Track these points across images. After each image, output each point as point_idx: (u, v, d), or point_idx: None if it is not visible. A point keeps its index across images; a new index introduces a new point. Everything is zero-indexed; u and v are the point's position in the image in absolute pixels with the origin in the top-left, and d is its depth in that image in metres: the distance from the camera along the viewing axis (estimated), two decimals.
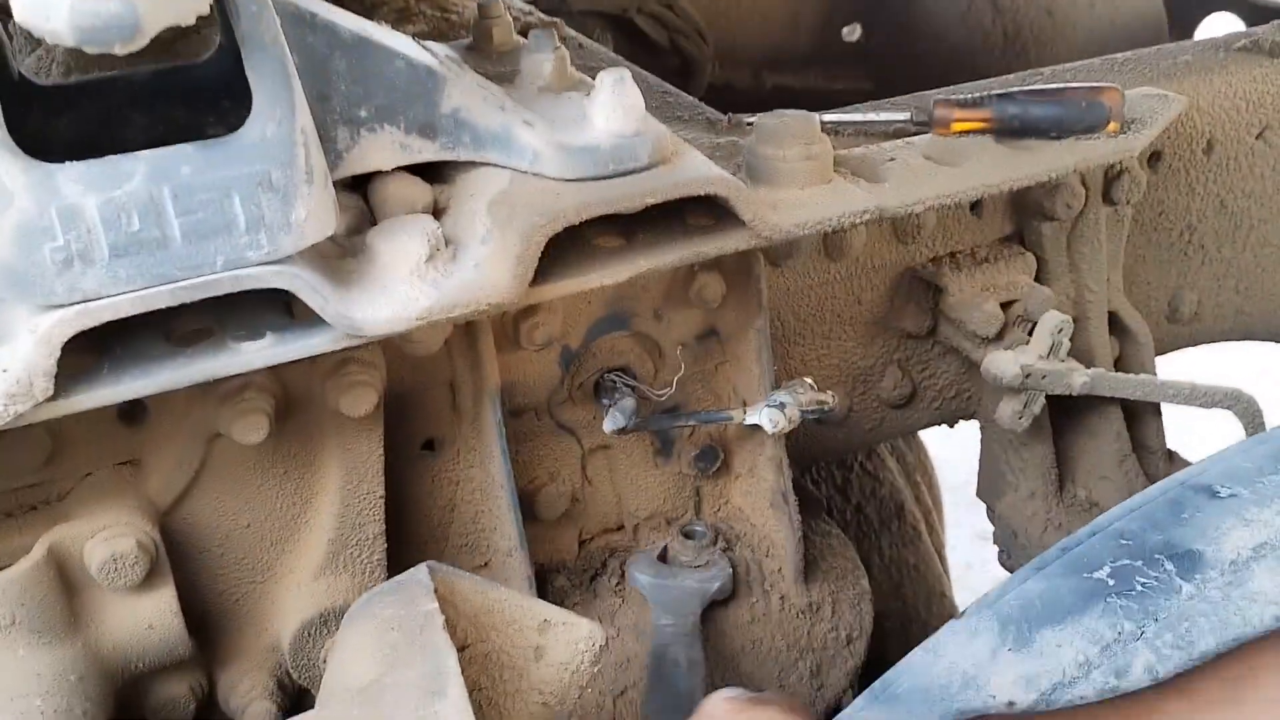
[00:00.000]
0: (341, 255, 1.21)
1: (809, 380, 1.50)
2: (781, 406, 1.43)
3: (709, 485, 1.65)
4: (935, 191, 1.38)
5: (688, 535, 1.61)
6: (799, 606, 1.58)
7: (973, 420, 1.92)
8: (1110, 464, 1.76)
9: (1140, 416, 1.81)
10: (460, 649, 1.03)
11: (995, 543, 1.86)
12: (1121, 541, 1.21)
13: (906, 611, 2.42)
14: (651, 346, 1.52)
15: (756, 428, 1.54)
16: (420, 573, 1.00)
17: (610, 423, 1.41)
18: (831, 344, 1.69)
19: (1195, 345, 2.00)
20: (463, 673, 1.05)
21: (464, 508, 1.48)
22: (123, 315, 1.03)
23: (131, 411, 1.25)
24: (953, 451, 2.97)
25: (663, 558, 1.55)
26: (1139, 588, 1.12)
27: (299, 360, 1.25)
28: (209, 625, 1.36)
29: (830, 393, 1.48)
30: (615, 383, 1.47)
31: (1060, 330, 1.58)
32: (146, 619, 1.24)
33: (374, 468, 1.35)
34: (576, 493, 1.58)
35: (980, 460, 1.92)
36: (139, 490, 1.27)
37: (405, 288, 1.14)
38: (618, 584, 1.58)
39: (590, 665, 1.10)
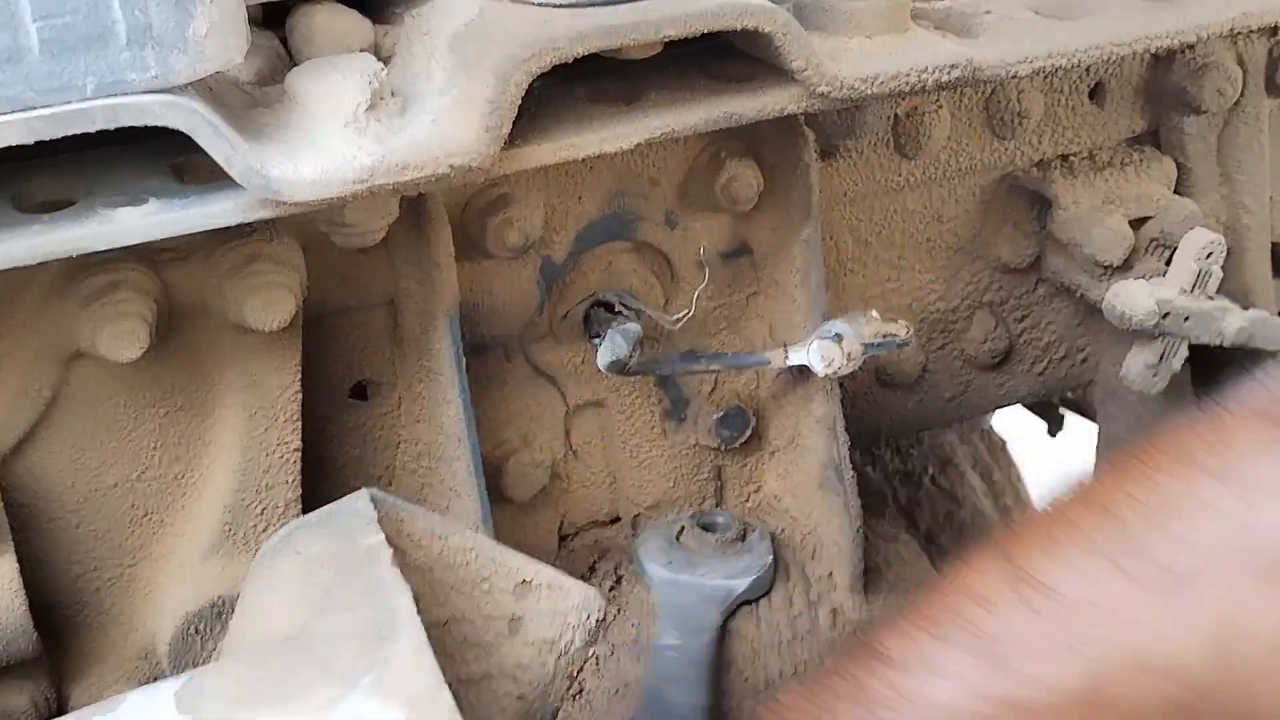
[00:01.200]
0: (251, 105, 1.22)
1: (873, 312, 1.51)
2: (837, 338, 1.44)
3: (735, 462, 1.66)
4: (1046, 48, 1.40)
5: (706, 528, 1.61)
6: (856, 623, 1.59)
7: (1082, 393, 1.94)
8: None
9: None
10: None
11: None
12: None
13: None
14: (661, 265, 1.54)
15: (801, 374, 1.56)
16: (359, 501, 1.00)
17: (606, 353, 1.41)
18: (902, 276, 1.71)
19: None
20: None
21: (406, 477, 1.48)
22: None
23: None
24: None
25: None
26: None
27: (190, 256, 1.26)
28: (60, 620, 1.35)
29: (903, 322, 1.49)
30: (614, 306, 1.47)
31: (1210, 254, 1.59)
32: None
33: (288, 410, 1.35)
34: (558, 465, 1.58)
35: (1098, 449, 1.93)
36: None
37: (339, 142, 1.15)
38: (612, 589, 1.58)
39: (583, 646, 1.10)
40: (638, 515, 1.65)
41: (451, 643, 1.06)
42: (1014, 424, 2.89)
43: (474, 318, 1.47)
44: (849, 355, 1.44)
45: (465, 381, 1.40)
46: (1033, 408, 2.81)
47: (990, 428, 2.80)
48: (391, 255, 1.39)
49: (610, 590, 1.58)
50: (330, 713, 0.82)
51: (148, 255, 1.27)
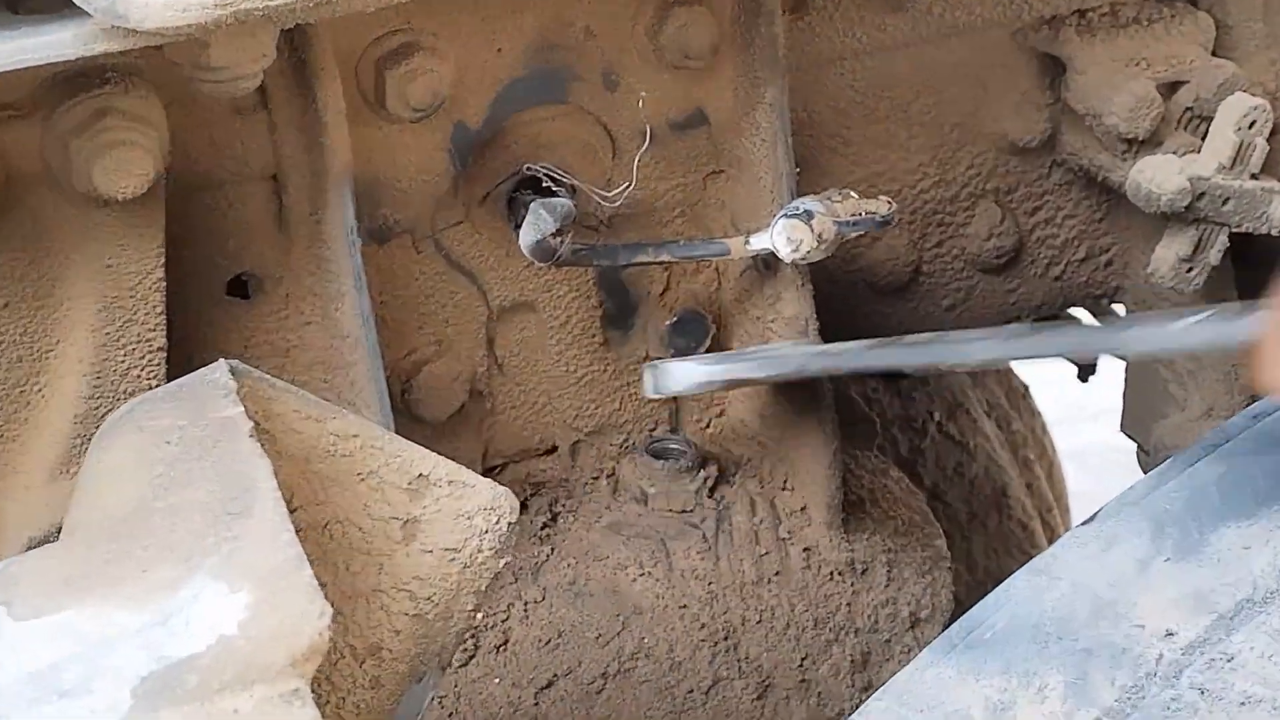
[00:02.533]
0: None
1: (850, 191, 1.52)
2: (806, 215, 1.44)
3: None
4: None
5: (658, 455, 1.62)
6: (835, 565, 1.59)
7: (1110, 302, 1.94)
8: None
9: None
10: None
11: None
12: None
13: None
14: (599, 136, 1.53)
15: (769, 269, 1.56)
16: (215, 372, 1.00)
17: (530, 231, 1.41)
18: (890, 158, 1.70)
19: None
20: None
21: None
22: None
23: None
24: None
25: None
26: None
27: (30, 115, 1.25)
28: None
29: (884, 198, 1.50)
30: (541, 182, 1.47)
31: (1253, 123, 1.59)
32: None
33: (149, 302, 1.35)
34: (479, 381, 1.58)
35: (1127, 370, 1.94)
36: None
37: None
38: (545, 527, 1.59)
39: (492, 555, 1.10)
40: (577, 443, 1.65)
41: (333, 549, 1.06)
42: (1036, 364, 2.91)
43: (374, 196, 1.46)
44: (820, 236, 1.44)
45: (361, 269, 1.40)
46: None
47: (1008, 367, 2.80)
48: (272, 116, 1.38)
49: (543, 529, 1.59)
50: (165, 596, 0.82)
51: None
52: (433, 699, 1.39)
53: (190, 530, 0.86)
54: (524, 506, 1.62)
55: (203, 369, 1.01)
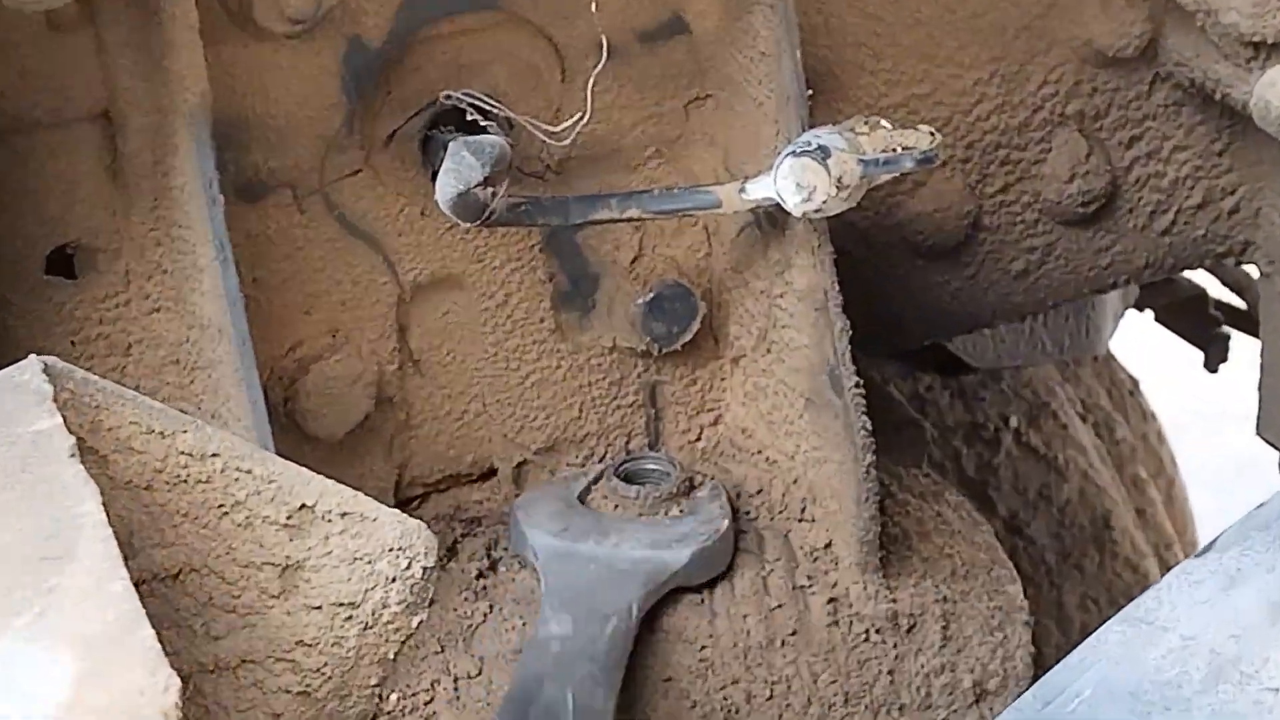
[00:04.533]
0: None
1: (880, 120, 1.51)
2: (820, 153, 1.43)
3: (677, 376, 1.66)
4: None
5: (629, 479, 1.61)
6: (872, 621, 1.58)
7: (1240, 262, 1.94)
8: None
9: None
10: None
11: None
12: None
13: None
14: (542, 52, 1.52)
15: (774, 226, 1.56)
16: (26, 372, 1.00)
17: (449, 182, 1.40)
18: (937, 73, 1.70)
19: None
20: None
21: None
22: None
23: None
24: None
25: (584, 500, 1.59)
26: None
27: None
28: None
29: (925, 128, 1.49)
30: (465, 114, 1.47)
31: None
32: None
33: None
34: (388, 383, 1.58)
35: (1264, 356, 1.94)
36: None
37: None
38: (480, 577, 1.58)
39: (403, 612, 1.09)
40: (523, 464, 1.64)
41: (188, 606, 1.05)
42: (1147, 353, 2.90)
43: (242, 139, 1.46)
44: (839, 180, 1.43)
45: (226, 237, 1.39)
46: (1180, 326, 2.80)
47: (1109, 355, 2.80)
48: (101, 33, 1.37)
49: (479, 579, 1.58)
50: None
51: None
52: None
53: None
54: (453, 550, 1.60)
55: (8, 369, 1.00)
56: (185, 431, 1.04)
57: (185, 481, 1.04)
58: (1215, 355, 2.77)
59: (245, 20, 1.40)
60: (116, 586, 0.85)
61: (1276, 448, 1.94)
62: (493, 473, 1.64)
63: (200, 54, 1.36)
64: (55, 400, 0.98)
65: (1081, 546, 2.53)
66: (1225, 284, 2.61)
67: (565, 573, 1.52)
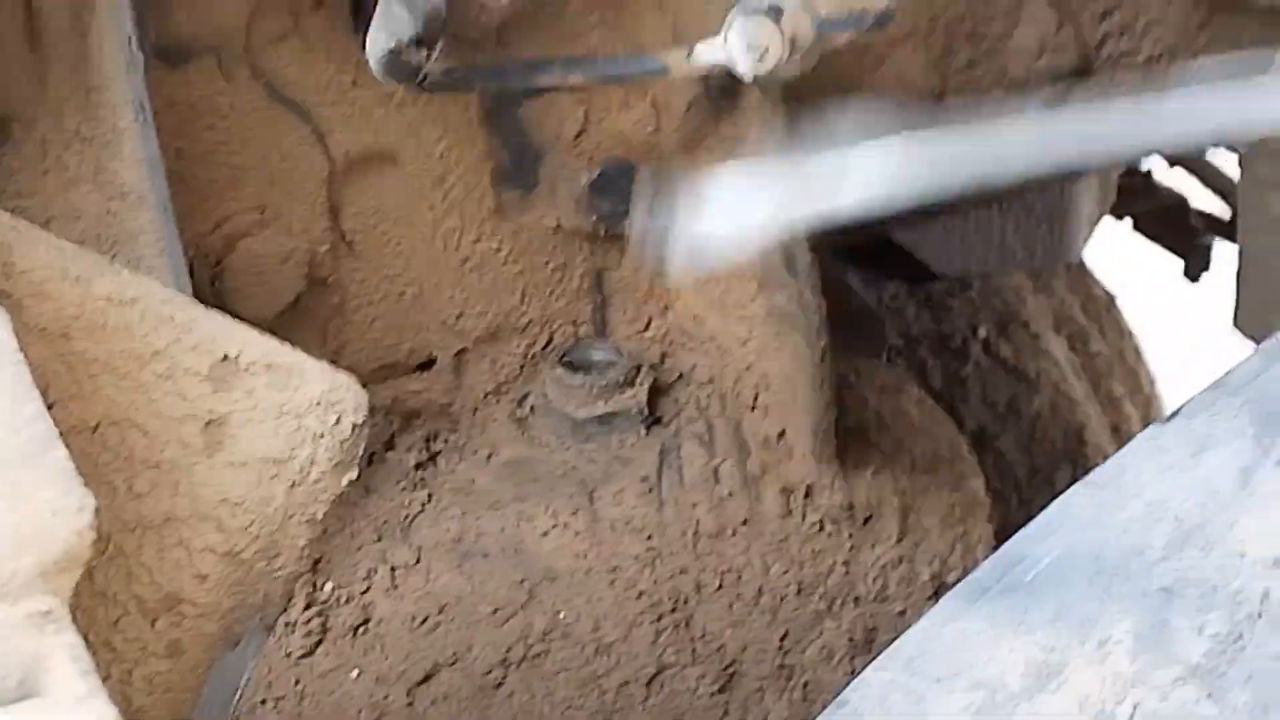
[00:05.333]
0: None
1: None
2: (774, 12, 1.39)
3: (623, 262, 1.64)
4: None
5: (577, 367, 1.59)
6: (827, 511, 1.56)
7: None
8: None
9: None
10: None
11: None
12: None
13: None
14: None
15: (724, 96, 1.52)
16: None
17: (380, 37, 1.36)
18: None
19: None
20: None
21: None
22: None
23: None
24: None
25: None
26: None
27: None
28: None
29: None
30: None
31: None
32: None
33: None
34: (320, 263, 1.54)
35: (1241, 248, 1.91)
36: None
37: None
38: (419, 467, 1.55)
39: (333, 469, 1.06)
40: (463, 353, 1.62)
41: (108, 461, 1.01)
42: (1123, 262, 2.87)
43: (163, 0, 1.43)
44: (793, 40, 1.40)
45: (148, 102, 1.36)
46: (1159, 234, 2.76)
47: (1082, 263, 2.76)
48: None
49: (417, 470, 1.56)
50: None
51: None
52: (250, 679, 1.35)
53: None
54: (390, 442, 1.58)
55: None
56: (104, 276, 1.00)
57: (103, 328, 1.00)
58: (1196, 264, 2.74)
59: None
60: (27, 408, 0.81)
61: (1252, 340, 1.91)
62: (431, 362, 1.61)
63: None
64: None
65: (1053, 461, 2.51)
66: (1209, 187, 2.57)
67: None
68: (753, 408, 1.58)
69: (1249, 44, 1.73)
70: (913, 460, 1.64)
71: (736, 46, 1.37)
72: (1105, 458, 2.49)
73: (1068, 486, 2.45)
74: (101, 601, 0.98)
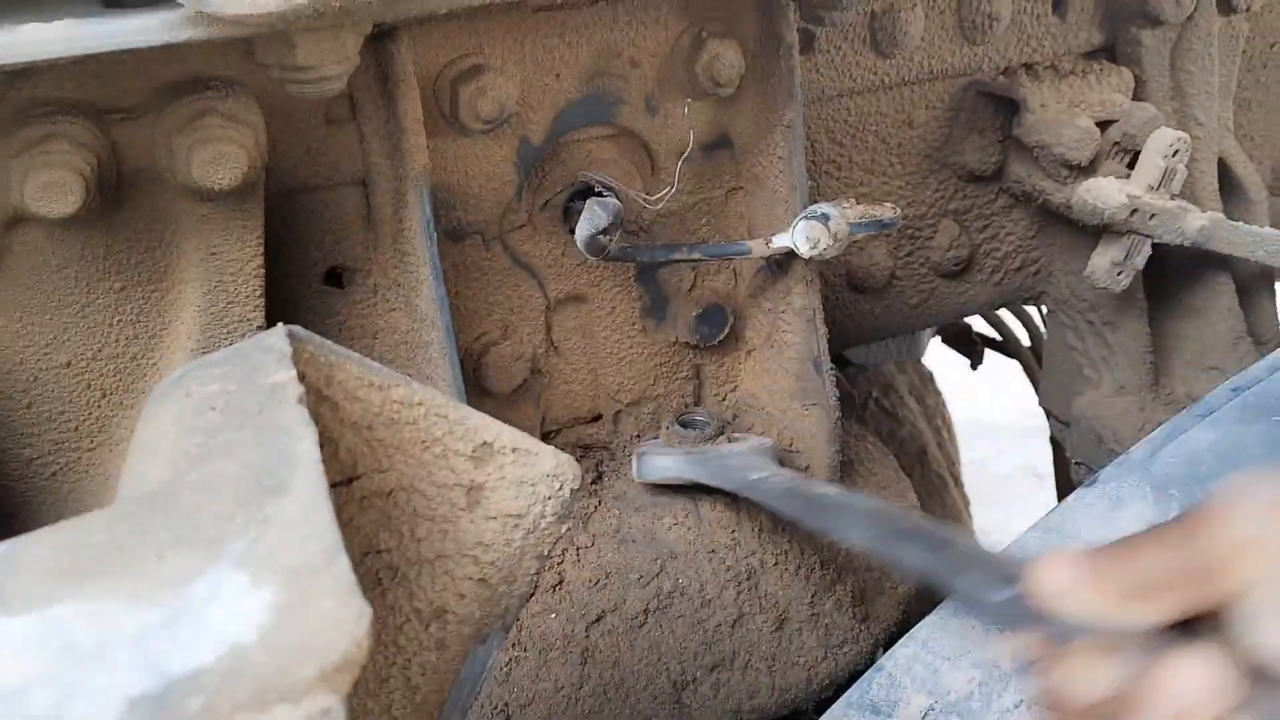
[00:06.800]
0: None
1: (852, 199, 1.14)
2: (823, 218, 1.06)
3: (713, 362, 1.27)
4: None
5: (685, 425, 1.23)
6: None
7: (1034, 304, 1.57)
8: (1221, 348, 1.41)
9: (1251, 294, 1.46)
10: (341, 483, 0.66)
11: (1070, 455, 1.50)
12: None
13: None
14: (641, 156, 1.15)
15: (780, 269, 1.18)
16: (272, 336, 0.61)
17: (585, 225, 1.03)
18: (874, 180, 1.32)
19: None
20: (350, 522, 0.67)
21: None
22: None
23: None
24: None
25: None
26: None
27: (141, 116, 0.88)
28: (15, 504, 0.97)
29: (889, 205, 1.12)
30: (593, 188, 1.09)
31: (1176, 152, 1.22)
32: None
33: (249, 286, 0.97)
34: (538, 360, 1.20)
35: (1046, 356, 1.57)
36: None
37: None
38: (594, 483, 1.20)
39: (555, 521, 0.72)
40: (619, 412, 1.26)
41: (399, 515, 0.68)
42: (938, 358, 2.56)
43: (450, 201, 1.08)
44: (835, 235, 1.06)
45: (438, 259, 1.02)
46: (955, 343, 2.47)
47: (920, 360, 2.45)
48: (361, 127, 1.01)
49: (592, 484, 1.20)
50: (176, 591, 0.43)
51: (94, 113, 0.89)
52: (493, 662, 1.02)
53: (218, 509, 0.47)
54: None
55: (261, 334, 0.62)
56: (398, 385, 0.66)
57: (397, 422, 0.66)
58: (976, 359, 2.46)
59: (453, 121, 1.03)
60: (321, 518, 0.46)
61: (1052, 414, 1.56)
62: (599, 418, 1.26)
63: (424, 142, 0.99)
64: (295, 359, 0.60)
65: (911, 464, 2.18)
66: (985, 320, 2.28)
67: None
68: (789, 451, 1.23)
69: (1058, 246, 1.40)
70: (876, 483, 1.30)
71: (800, 239, 1.05)
72: (936, 463, 2.16)
73: (918, 483, 2.12)
74: (391, 614, 0.65)
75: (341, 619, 0.41)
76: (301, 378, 0.60)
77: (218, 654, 0.40)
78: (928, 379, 2.50)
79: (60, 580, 0.45)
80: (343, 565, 0.43)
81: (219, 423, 0.53)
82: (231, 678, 0.40)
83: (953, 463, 2.41)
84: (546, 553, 0.72)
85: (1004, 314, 2.25)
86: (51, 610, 0.43)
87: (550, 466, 0.71)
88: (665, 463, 1.14)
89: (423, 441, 0.68)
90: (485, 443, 0.69)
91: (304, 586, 0.42)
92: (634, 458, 1.16)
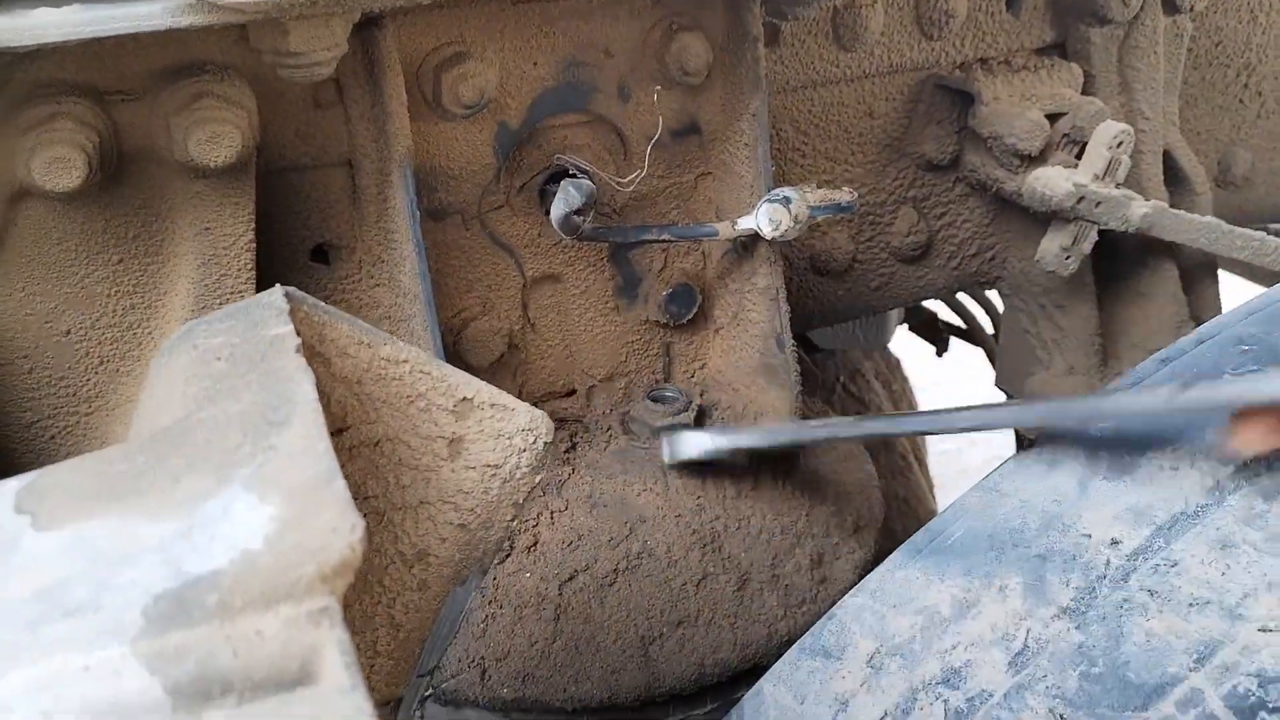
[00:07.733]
0: None
1: (813, 185, 1.21)
2: (785, 200, 1.12)
3: (682, 340, 1.33)
4: None
5: (656, 399, 1.29)
6: (796, 483, 1.27)
7: (990, 289, 1.64)
8: (1166, 332, 1.48)
9: (1195, 281, 1.53)
10: (332, 434, 0.71)
11: (1024, 433, 1.57)
12: (1242, 348, 0.93)
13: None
14: (614, 141, 1.21)
15: (746, 250, 1.24)
16: (271, 295, 0.67)
17: (560, 205, 1.09)
18: (836, 169, 1.39)
19: (1246, 219, 1.73)
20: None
21: None
22: None
23: None
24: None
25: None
26: None
27: (140, 98, 0.93)
28: (12, 468, 1.02)
29: (848, 189, 1.18)
30: (568, 170, 1.15)
31: (1120, 144, 1.29)
32: None
33: (241, 260, 1.02)
34: (515, 336, 1.25)
35: (1002, 338, 1.63)
36: None
37: None
38: (567, 452, 1.26)
39: (529, 471, 0.78)
40: (592, 387, 1.32)
41: (385, 464, 0.74)
42: (905, 345, 2.63)
43: (431, 182, 1.14)
44: (796, 217, 1.12)
45: (420, 236, 1.07)
46: (922, 332, 2.53)
47: (887, 347, 2.51)
48: (348, 110, 1.06)
49: (566, 453, 1.26)
50: (192, 508, 0.49)
51: (96, 94, 0.94)
52: (474, 593, 1.08)
53: (227, 441, 0.53)
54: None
55: (262, 293, 0.67)
56: (385, 344, 0.72)
57: (384, 378, 0.72)
58: (941, 347, 2.52)
59: (436, 105, 1.09)
60: (319, 446, 0.52)
61: (1007, 394, 1.63)
62: (573, 392, 1.31)
63: (408, 125, 1.05)
64: (291, 315, 0.65)
65: (876, 445, 2.22)
66: (950, 308, 2.34)
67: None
68: (756, 422, 1.30)
69: (1012, 233, 1.47)
70: (836, 454, 1.36)
71: (763, 220, 1.10)
72: (904, 450, 2.23)
73: (882, 463, 2.19)
74: (377, 556, 0.71)
75: (339, 527, 0.47)
76: (296, 335, 0.65)
77: (230, 558, 0.46)
78: (894, 365, 2.56)
79: (86, 502, 0.51)
80: (339, 485, 0.49)
81: (225, 370, 0.59)
82: (243, 577, 0.46)
83: (917, 446, 2.47)
84: (521, 501, 0.78)
85: (970, 302, 2.32)
86: (81, 526, 0.49)
87: (525, 421, 0.77)
88: (701, 439, 1.18)
89: (408, 396, 0.74)
90: (465, 398, 0.75)
91: (305, 502, 0.48)
92: (663, 442, 1.20)
